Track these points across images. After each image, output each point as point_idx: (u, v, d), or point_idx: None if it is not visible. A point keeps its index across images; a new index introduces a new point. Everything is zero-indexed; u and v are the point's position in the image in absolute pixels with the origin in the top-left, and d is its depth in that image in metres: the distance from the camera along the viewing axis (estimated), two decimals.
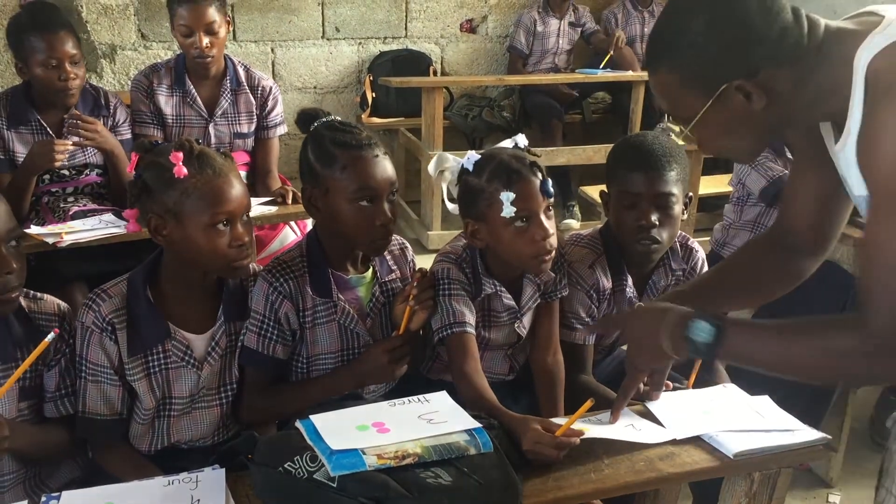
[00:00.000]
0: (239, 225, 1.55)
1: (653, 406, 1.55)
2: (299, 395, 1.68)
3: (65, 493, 1.26)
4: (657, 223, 1.78)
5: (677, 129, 1.32)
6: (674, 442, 1.44)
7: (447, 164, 1.77)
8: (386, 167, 1.63)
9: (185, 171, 1.51)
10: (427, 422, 1.35)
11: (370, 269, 1.74)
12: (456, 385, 1.58)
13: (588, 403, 1.36)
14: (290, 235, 2.94)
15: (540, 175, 1.66)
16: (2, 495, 1.51)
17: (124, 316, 1.57)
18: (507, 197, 1.61)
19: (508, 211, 1.62)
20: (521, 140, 1.76)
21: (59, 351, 1.54)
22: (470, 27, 5.48)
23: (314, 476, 1.22)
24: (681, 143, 1.36)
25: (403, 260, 1.80)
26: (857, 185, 1.19)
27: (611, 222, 1.91)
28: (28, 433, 1.49)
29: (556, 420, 1.44)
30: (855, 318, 1.13)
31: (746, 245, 1.66)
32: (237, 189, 1.56)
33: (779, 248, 1.51)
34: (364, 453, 1.24)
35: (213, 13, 2.83)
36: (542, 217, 1.64)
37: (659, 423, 1.49)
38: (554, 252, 1.67)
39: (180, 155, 1.52)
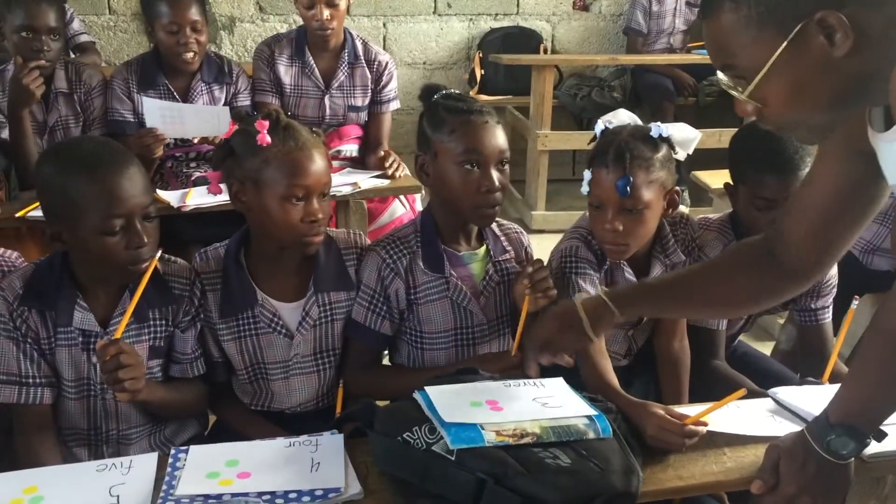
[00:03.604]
0: (314, 201, 1.56)
1: (793, 400, 1.48)
2: (405, 381, 1.63)
3: (192, 447, 1.30)
4: None
5: (735, 90, 1.08)
6: None
7: None
8: (496, 134, 1.61)
9: (268, 139, 1.54)
10: (542, 405, 1.33)
11: (483, 247, 1.73)
12: (578, 364, 1.56)
13: (739, 392, 1.33)
14: (399, 209, 2.96)
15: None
16: (128, 447, 1.57)
17: (218, 279, 1.62)
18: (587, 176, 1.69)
19: (585, 189, 1.70)
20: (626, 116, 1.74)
21: (188, 312, 1.58)
22: (583, 5, 5.37)
23: (432, 448, 1.22)
24: (746, 107, 1.09)
25: (519, 245, 1.78)
26: None
27: (741, 217, 1.85)
28: (160, 390, 1.54)
29: (678, 408, 1.40)
30: None
31: (729, 251, 1.57)
32: (317, 165, 1.57)
33: (765, 259, 1.35)
34: (483, 429, 1.23)
35: None
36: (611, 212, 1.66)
37: (800, 418, 1.43)
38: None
39: (266, 123, 1.56)
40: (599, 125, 1.75)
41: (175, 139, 2.78)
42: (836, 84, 1.02)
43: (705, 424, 1.34)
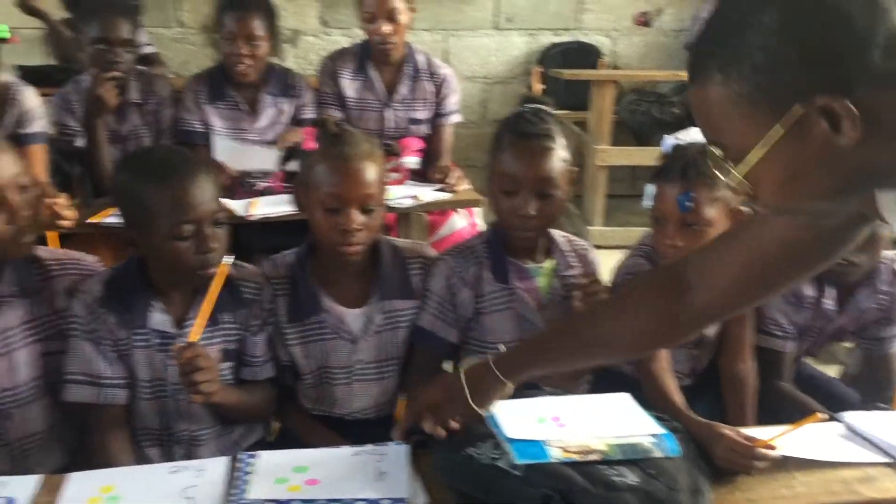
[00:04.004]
0: (352, 211, 1.56)
1: (866, 426, 1.44)
2: None
3: (262, 453, 1.33)
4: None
5: (723, 171, 0.92)
6: (874, 465, 1.34)
7: None
8: (540, 161, 1.60)
9: (314, 144, 1.58)
10: (608, 421, 1.33)
11: (550, 261, 1.73)
12: (642, 382, 1.55)
13: (814, 417, 1.31)
14: (459, 222, 2.97)
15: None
16: (198, 449, 1.61)
17: (287, 284, 1.66)
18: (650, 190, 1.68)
19: (647, 203, 1.69)
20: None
21: (259, 316, 1.61)
22: (644, 20, 5.34)
23: (497, 463, 1.23)
24: (727, 187, 0.94)
25: (586, 261, 1.77)
26: None
27: None
28: (232, 392, 1.57)
29: (746, 430, 1.38)
30: None
31: (620, 288, 1.48)
32: (357, 175, 1.56)
33: (666, 296, 1.19)
34: (548, 445, 1.24)
35: (395, 1, 2.90)
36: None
37: (874, 444, 1.39)
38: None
39: (314, 129, 1.59)
40: (669, 140, 1.75)
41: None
42: (839, 173, 0.86)
43: (774, 448, 1.32)
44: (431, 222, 2.89)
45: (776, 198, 0.91)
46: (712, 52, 0.88)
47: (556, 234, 1.75)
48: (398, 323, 1.69)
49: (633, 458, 1.23)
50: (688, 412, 1.46)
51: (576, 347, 1.27)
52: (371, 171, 1.58)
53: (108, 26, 2.62)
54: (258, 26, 2.75)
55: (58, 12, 4.17)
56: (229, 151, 2.69)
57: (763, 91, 0.84)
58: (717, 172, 0.93)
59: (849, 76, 0.80)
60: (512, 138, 1.62)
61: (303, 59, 5.00)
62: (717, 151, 0.92)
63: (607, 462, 1.22)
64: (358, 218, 1.57)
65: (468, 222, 2.99)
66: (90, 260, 1.64)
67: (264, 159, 2.69)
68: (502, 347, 1.34)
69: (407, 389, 1.72)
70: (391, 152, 2.85)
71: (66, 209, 2.17)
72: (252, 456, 1.31)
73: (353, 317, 1.67)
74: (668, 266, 1.27)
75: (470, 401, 1.25)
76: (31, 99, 2.50)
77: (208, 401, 1.46)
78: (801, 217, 1.02)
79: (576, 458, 1.22)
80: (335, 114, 2.99)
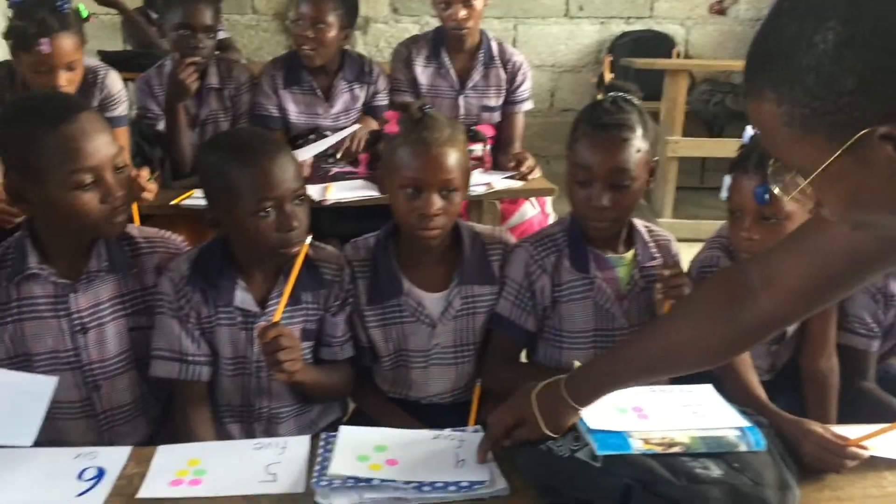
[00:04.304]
0: (432, 195, 1.56)
1: None
2: (542, 379, 1.55)
3: (343, 428, 1.35)
4: None
5: (787, 187, 0.88)
6: None
7: None
8: (615, 152, 1.57)
9: (396, 128, 1.58)
10: (691, 414, 1.31)
11: (631, 251, 1.71)
12: (722, 377, 1.52)
13: None
14: (530, 210, 2.97)
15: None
16: (277, 426, 1.64)
17: (367, 267, 1.67)
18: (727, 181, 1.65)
19: (724, 194, 1.66)
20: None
21: (338, 297, 1.63)
22: (720, 9, 5.23)
23: (576, 455, 1.22)
24: (787, 200, 0.92)
25: (668, 252, 1.75)
26: None
27: None
28: (312, 371, 1.60)
29: (836, 428, 1.34)
30: None
31: (686, 301, 1.39)
32: (441, 160, 1.57)
33: (734, 305, 1.13)
34: (630, 436, 1.22)
35: None
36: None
37: None
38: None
39: (396, 113, 1.58)
40: (749, 131, 1.71)
41: (316, 133, 2.86)
42: None
43: (867, 448, 1.28)
44: (502, 210, 2.88)
45: (842, 214, 0.88)
46: (765, 68, 0.82)
47: (639, 224, 1.73)
48: (477, 308, 1.70)
49: (717, 451, 1.21)
50: (775, 408, 1.43)
51: (645, 364, 1.22)
52: (452, 156, 1.58)
53: (192, 12, 2.67)
54: (327, 10, 2.76)
55: (132, 1, 4.30)
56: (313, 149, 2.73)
57: (817, 116, 0.79)
58: (774, 189, 0.90)
59: None
60: (587, 128, 1.61)
61: (373, 45, 5.03)
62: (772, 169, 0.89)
63: (690, 455, 1.20)
64: (437, 202, 1.57)
65: (539, 211, 2.98)
66: (178, 239, 1.68)
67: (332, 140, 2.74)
68: (577, 363, 1.33)
69: (483, 375, 1.73)
70: (476, 138, 2.86)
71: (148, 182, 2.22)
72: (333, 435, 1.33)
73: (432, 301, 1.68)
74: (731, 271, 1.23)
75: (544, 428, 1.24)
76: (115, 83, 2.56)
77: (291, 379, 1.49)
78: (871, 229, 0.96)
79: (658, 449, 1.20)
80: (408, 101, 3.01)
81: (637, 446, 1.21)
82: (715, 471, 1.18)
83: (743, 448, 1.22)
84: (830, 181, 0.82)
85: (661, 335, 1.23)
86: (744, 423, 1.27)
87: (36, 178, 1.43)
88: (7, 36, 2.32)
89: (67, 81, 2.31)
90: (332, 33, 2.80)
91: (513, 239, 1.76)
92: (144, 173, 2.23)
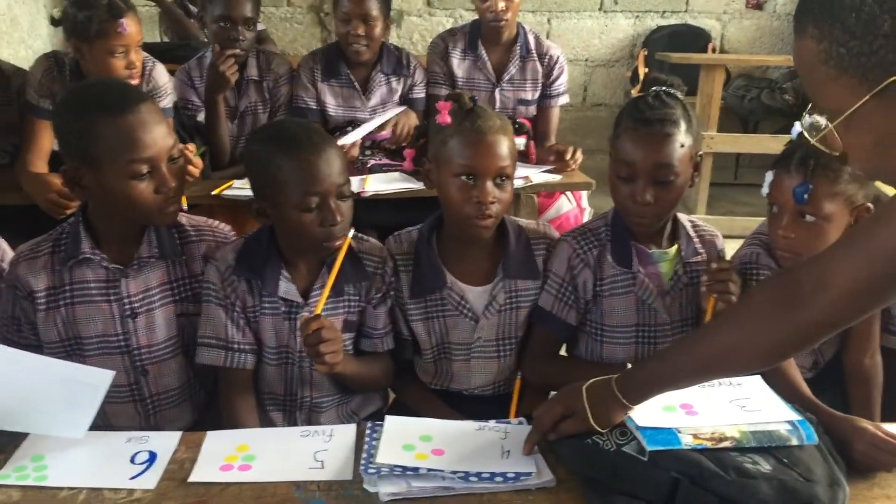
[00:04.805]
0: (487, 183, 1.57)
1: None
2: (582, 373, 1.46)
3: (389, 417, 1.35)
4: None
5: (812, 122, 0.95)
6: None
7: None
8: (657, 148, 1.56)
9: (448, 119, 1.58)
10: (740, 408, 1.30)
11: (675, 247, 1.70)
12: (765, 376, 1.51)
13: None
14: (566, 205, 2.96)
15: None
16: (319, 415, 1.66)
17: (410, 260, 1.68)
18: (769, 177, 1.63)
19: (765, 190, 1.64)
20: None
21: (380, 289, 1.64)
22: (756, 3, 5.17)
23: (623, 448, 1.22)
24: (817, 145, 0.98)
25: (713, 247, 1.73)
26: None
27: None
28: (353, 363, 1.61)
29: (889, 426, 1.33)
30: None
31: (743, 299, 1.36)
32: (495, 148, 1.58)
33: (788, 308, 1.12)
34: (679, 432, 1.22)
35: None
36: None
37: None
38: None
39: (449, 104, 1.60)
40: (797, 127, 1.69)
41: (353, 125, 2.88)
42: None
43: None
44: (539, 204, 2.87)
45: (866, 163, 0.93)
46: (812, 4, 0.88)
47: (683, 219, 1.72)
48: (520, 303, 1.70)
49: (768, 445, 1.20)
50: (822, 405, 1.41)
51: (696, 365, 1.22)
52: (504, 144, 1.59)
53: (232, 5, 2.69)
54: (374, 6, 2.78)
55: None
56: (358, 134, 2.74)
57: (852, 56, 0.84)
58: (807, 131, 0.95)
59: None
60: (630, 124, 1.60)
61: (406, 38, 5.03)
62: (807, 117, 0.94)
63: (740, 449, 1.20)
64: (492, 190, 1.58)
65: (575, 206, 2.97)
66: (225, 228, 1.70)
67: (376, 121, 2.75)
68: (629, 365, 1.32)
69: (523, 369, 1.73)
70: (521, 131, 2.86)
71: (194, 156, 2.24)
72: (378, 424, 1.34)
73: (476, 294, 1.68)
74: (784, 274, 1.21)
75: (592, 421, 1.24)
76: (161, 75, 2.59)
77: (331, 371, 1.50)
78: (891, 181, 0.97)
79: (708, 444, 1.20)
80: (444, 94, 3.01)
81: (687, 441, 1.20)
82: (764, 465, 1.17)
83: (794, 442, 1.21)
84: (857, 126, 0.88)
85: (713, 338, 1.22)
86: (794, 416, 1.26)
87: (93, 165, 1.46)
88: (73, 29, 2.36)
89: (139, 61, 2.40)
90: (380, 28, 2.82)
91: (557, 234, 1.76)
92: (192, 147, 2.26)
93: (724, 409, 1.29)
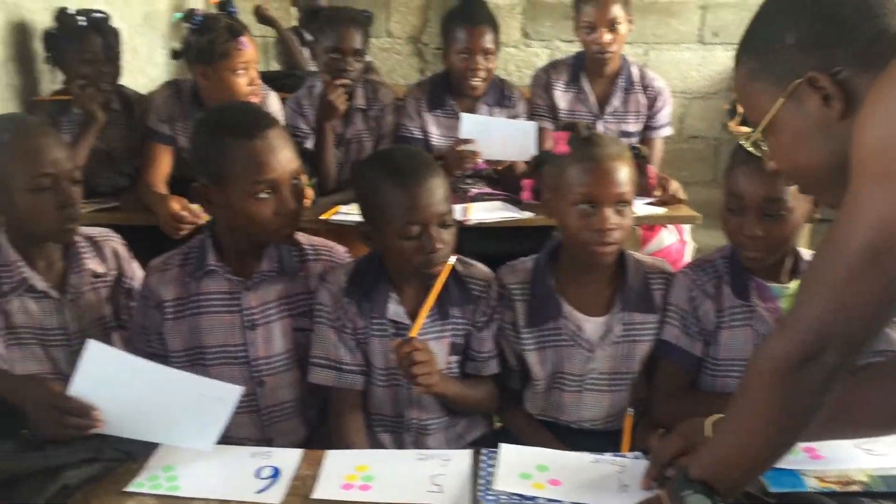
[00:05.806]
0: (607, 210, 1.57)
1: None
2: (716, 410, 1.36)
3: (503, 446, 1.37)
4: None
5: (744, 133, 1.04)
6: None
7: None
8: (769, 181, 1.51)
9: (565, 148, 1.61)
10: (865, 451, 1.27)
11: (795, 282, 1.66)
12: None
13: None
14: (668, 238, 2.92)
15: None
16: (426, 438, 1.68)
17: (526, 289, 1.69)
18: None
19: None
20: None
21: (485, 313, 1.66)
22: None
23: (747, 489, 1.19)
24: (749, 148, 1.11)
25: None
26: None
27: None
28: (454, 384, 1.64)
29: None
30: None
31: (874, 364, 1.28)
32: (614, 175, 1.58)
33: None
34: (804, 475, 1.20)
35: (616, 10, 2.90)
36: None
37: None
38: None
39: (565, 134, 1.62)
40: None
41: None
42: (835, 142, 0.98)
43: None
44: (640, 237, 2.85)
45: (786, 165, 1.07)
46: (744, 38, 1.07)
47: (805, 254, 1.68)
48: (636, 336, 1.68)
49: None
50: None
51: (822, 422, 1.14)
52: (623, 171, 1.60)
53: (343, 36, 2.79)
54: (490, 40, 2.84)
55: (286, 22, 4.49)
56: (476, 129, 2.69)
57: (769, 67, 1.02)
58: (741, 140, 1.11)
59: (834, 59, 0.96)
60: (743, 156, 1.58)
61: (502, 70, 5.06)
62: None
63: (870, 494, 1.16)
64: (612, 217, 1.58)
65: (677, 239, 2.93)
66: (341, 250, 1.76)
67: (511, 143, 2.72)
68: None
69: (653, 410, 1.69)
70: (638, 156, 2.83)
71: (305, 185, 2.32)
72: (493, 451, 1.35)
73: (592, 325, 1.68)
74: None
75: None
76: (274, 103, 2.70)
77: (429, 392, 1.54)
78: (829, 198, 1.05)
79: (835, 488, 1.17)
80: (548, 126, 3.02)
81: (812, 484, 1.18)
82: None
83: None
84: (778, 129, 1.03)
85: (842, 398, 1.15)
86: None
87: (221, 183, 1.56)
88: (196, 56, 2.50)
89: (258, 81, 2.56)
90: (494, 62, 2.87)
91: (672, 268, 1.74)
92: (304, 178, 2.34)
93: (850, 454, 1.26)
